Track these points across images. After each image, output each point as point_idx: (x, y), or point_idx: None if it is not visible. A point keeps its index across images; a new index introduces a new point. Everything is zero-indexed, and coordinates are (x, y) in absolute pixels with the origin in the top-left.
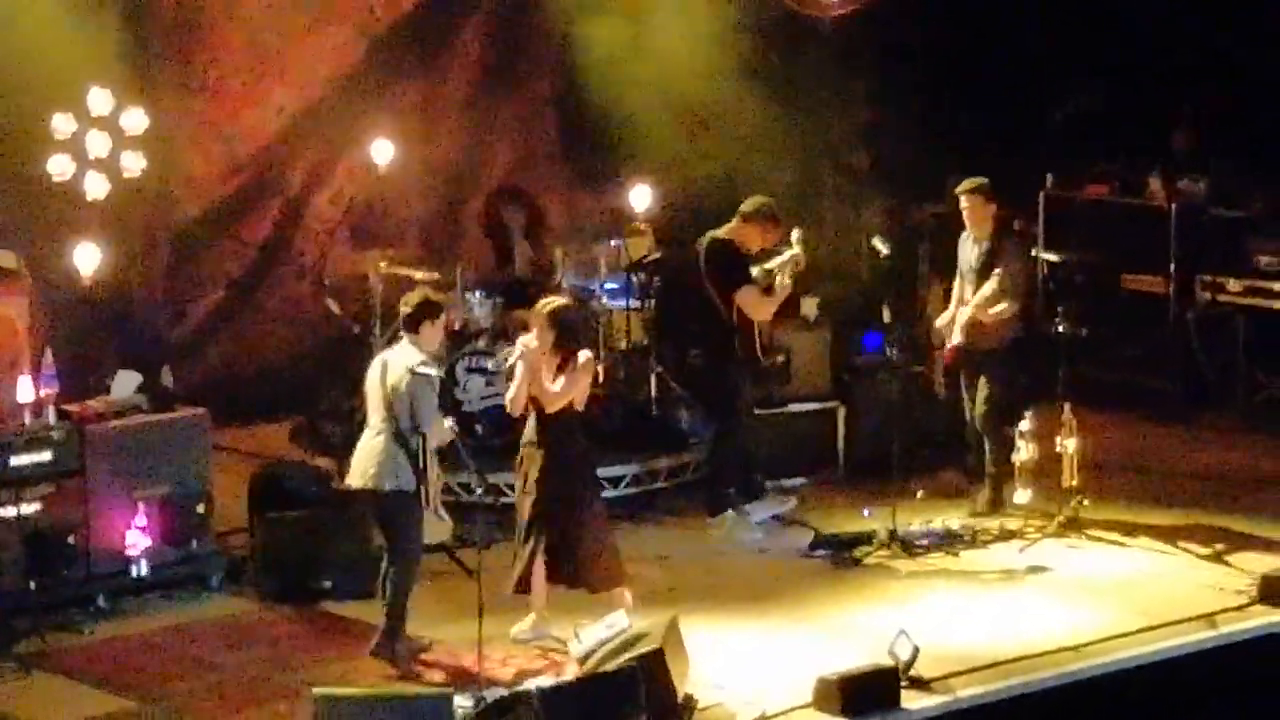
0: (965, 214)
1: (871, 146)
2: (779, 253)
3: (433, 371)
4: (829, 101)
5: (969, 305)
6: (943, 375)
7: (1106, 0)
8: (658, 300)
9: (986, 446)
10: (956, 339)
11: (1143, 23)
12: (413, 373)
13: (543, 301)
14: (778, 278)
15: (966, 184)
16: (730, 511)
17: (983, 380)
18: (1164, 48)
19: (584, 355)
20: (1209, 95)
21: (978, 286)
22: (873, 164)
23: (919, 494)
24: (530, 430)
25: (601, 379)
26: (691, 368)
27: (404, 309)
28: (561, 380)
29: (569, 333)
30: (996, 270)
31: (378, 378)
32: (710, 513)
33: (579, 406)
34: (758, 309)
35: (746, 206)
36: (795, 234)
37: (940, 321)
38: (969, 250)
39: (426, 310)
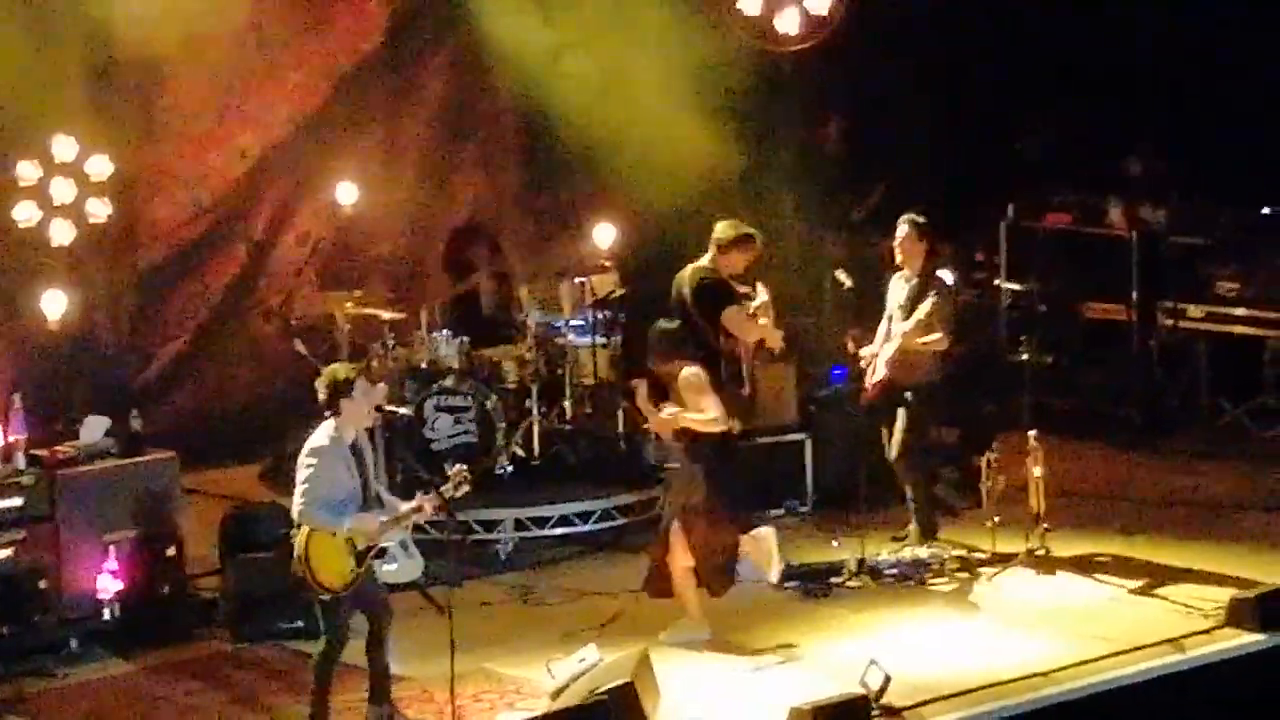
0: (898, 243)
1: (835, 181)
2: (749, 298)
3: (315, 447)
4: (793, 138)
5: (895, 339)
6: (864, 410)
7: (1065, 32)
8: (629, 337)
9: (907, 483)
10: (881, 374)
11: (1100, 53)
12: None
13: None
14: (760, 319)
15: (908, 214)
16: None
17: (901, 415)
18: (1120, 76)
19: (688, 370)
20: (1164, 123)
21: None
22: (835, 198)
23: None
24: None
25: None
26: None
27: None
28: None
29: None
30: (928, 299)
31: None
32: None
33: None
34: (745, 329)
35: (720, 234)
36: (759, 286)
37: (865, 354)
38: (899, 289)
39: (339, 390)
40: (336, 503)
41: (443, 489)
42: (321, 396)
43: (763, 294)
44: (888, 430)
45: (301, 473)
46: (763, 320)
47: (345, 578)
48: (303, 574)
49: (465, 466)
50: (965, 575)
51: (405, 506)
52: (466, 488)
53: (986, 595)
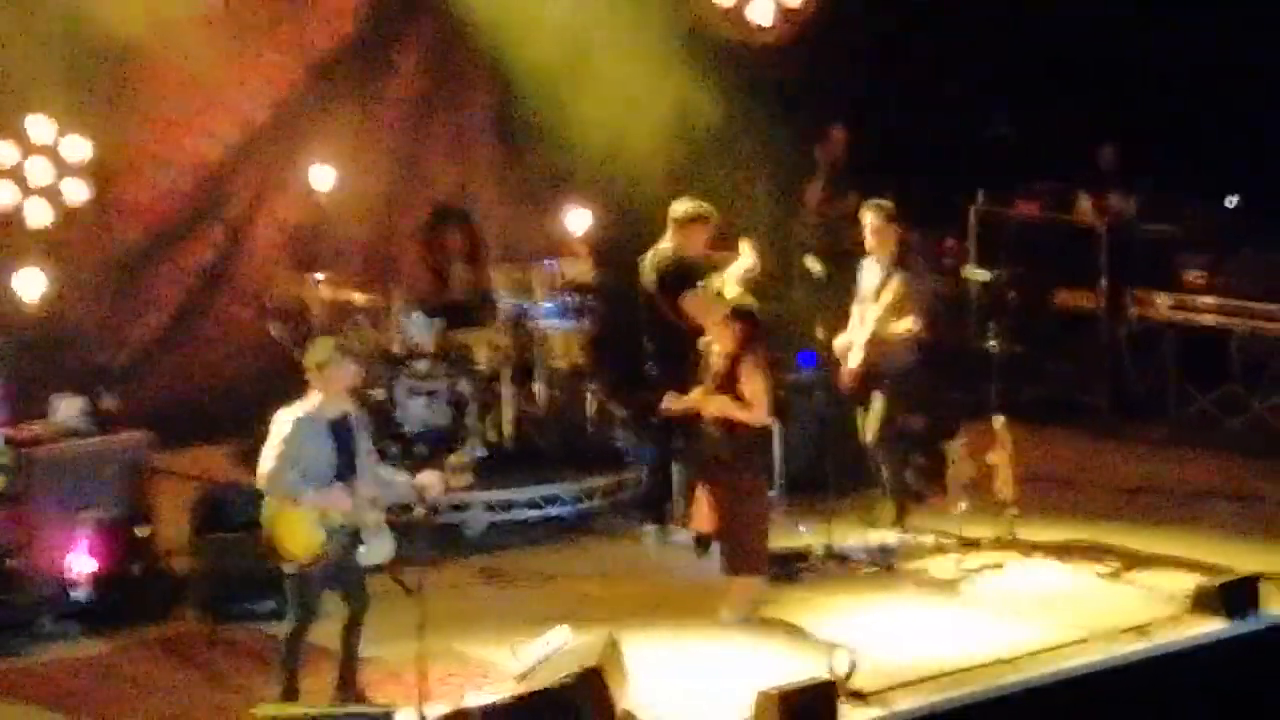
0: (869, 230)
1: (806, 167)
2: (731, 261)
3: (293, 416)
4: (766, 123)
5: (868, 326)
6: (843, 397)
7: (1036, 20)
8: (599, 321)
9: (883, 468)
10: (855, 363)
11: (1072, 43)
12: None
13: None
14: (726, 286)
15: (872, 201)
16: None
17: (876, 399)
18: (1091, 66)
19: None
20: (1134, 113)
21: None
22: (807, 184)
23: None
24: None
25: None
26: (645, 379)
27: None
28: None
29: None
30: (894, 280)
31: None
32: (654, 521)
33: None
34: (704, 313)
35: (677, 212)
36: (744, 244)
37: (838, 343)
38: (871, 275)
39: (321, 361)
40: (307, 472)
41: (448, 470)
42: (307, 363)
43: (748, 255)
44: (863, 415)
45: (273, 434)
46: (734, 287)
47: (312, 550)
48: (269, 543)
49: (476, 457)
50: (932, 561)
51: (406, 480)
52: (470, 476)
53: (953, 581)
